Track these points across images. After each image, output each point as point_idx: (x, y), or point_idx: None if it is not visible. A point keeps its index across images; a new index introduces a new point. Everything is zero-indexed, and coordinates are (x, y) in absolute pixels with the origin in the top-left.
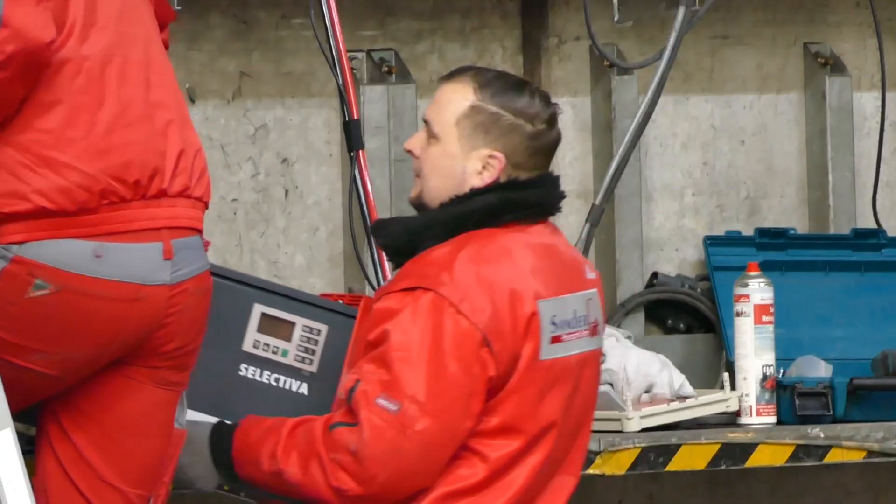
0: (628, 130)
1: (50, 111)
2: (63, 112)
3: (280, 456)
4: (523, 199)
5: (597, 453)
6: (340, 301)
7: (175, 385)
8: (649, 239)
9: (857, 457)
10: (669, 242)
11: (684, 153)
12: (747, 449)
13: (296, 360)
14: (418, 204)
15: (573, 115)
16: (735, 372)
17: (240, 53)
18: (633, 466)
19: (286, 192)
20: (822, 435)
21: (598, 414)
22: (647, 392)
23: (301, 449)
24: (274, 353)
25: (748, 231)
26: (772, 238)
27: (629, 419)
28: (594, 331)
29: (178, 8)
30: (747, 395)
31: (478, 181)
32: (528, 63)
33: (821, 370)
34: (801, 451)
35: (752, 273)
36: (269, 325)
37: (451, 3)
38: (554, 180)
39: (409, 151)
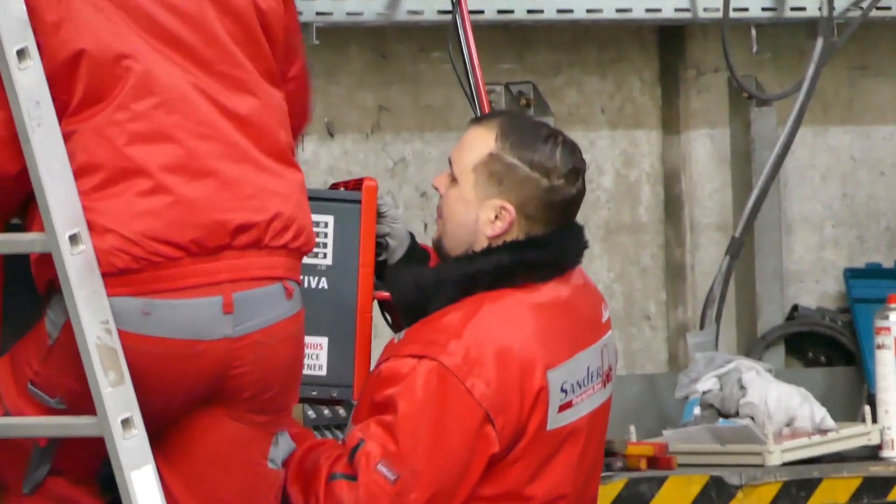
0: (767, 162)
1: (91, 174)
2: (104, 175)
3: (289, 479)
4: (537, 259)
5: (738, 487)
6: (342, 189)
7: (262, 425)
8: (789, 271)
9: None
10: (809, 274)
11: (823, 184)
12: (889, 482)
13: (309, 256)
14: (438, 246)
15: (711, 146)
16: (876, 405)
17: (378, 87)
18: (774, 500)
19: (425, 225)
20: None
21: (738, 448)
22: (787, 425)
23: (304, 483)
24: None
25: (889, 263)
26: None
27: (770, 453)
28: (608, 378)
29: (317, 42)
30: (889, 427)
31: (489, 230)
32: (666, 94)
33: None
34: None
35: (894, 305)
36: None
37: (588, 35)
38: (573, 234)
39: (436, 188)
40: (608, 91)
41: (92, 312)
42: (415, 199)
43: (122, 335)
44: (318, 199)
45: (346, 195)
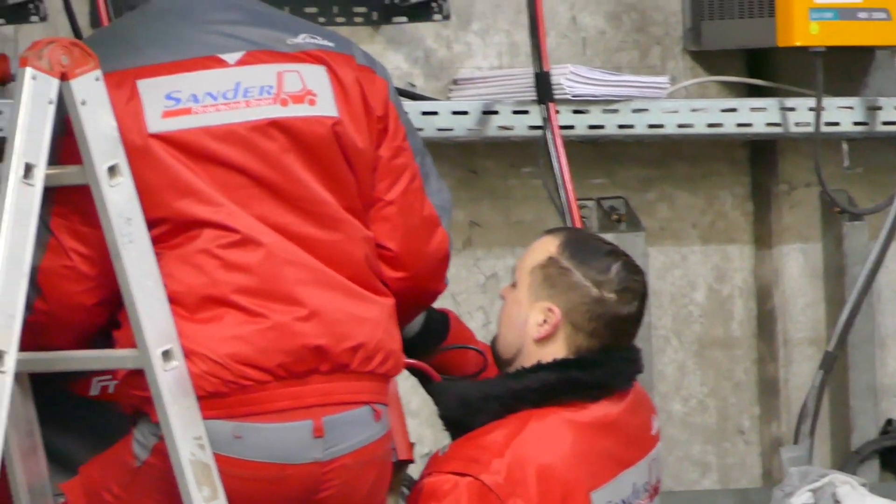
0: (860, 276)
1: (177, 301)
2: (190, 300)
3: None
4: (584, 379)
5: None
6: None
7: None
8: (883, 385)
9: None
10: None
11: None
12: None
13: None
14: (493, 349)
15: (804, 261)
16: None
17: (469, 203)
18: None
19: None
20: None
21: None
22: None
23: None
24: None
25: None
26: None
27: None
28: (655, 492)
29: None
30: None
31: (536, 333)
32: (757, 210)
33: None
34: None
35: None
36: None
37: (679, 151)
38: (626, 356)
39: (501, 297)
40: (700, 206)
41: (185, 428)
42: None
43: (216, 458)
44: None
45: None
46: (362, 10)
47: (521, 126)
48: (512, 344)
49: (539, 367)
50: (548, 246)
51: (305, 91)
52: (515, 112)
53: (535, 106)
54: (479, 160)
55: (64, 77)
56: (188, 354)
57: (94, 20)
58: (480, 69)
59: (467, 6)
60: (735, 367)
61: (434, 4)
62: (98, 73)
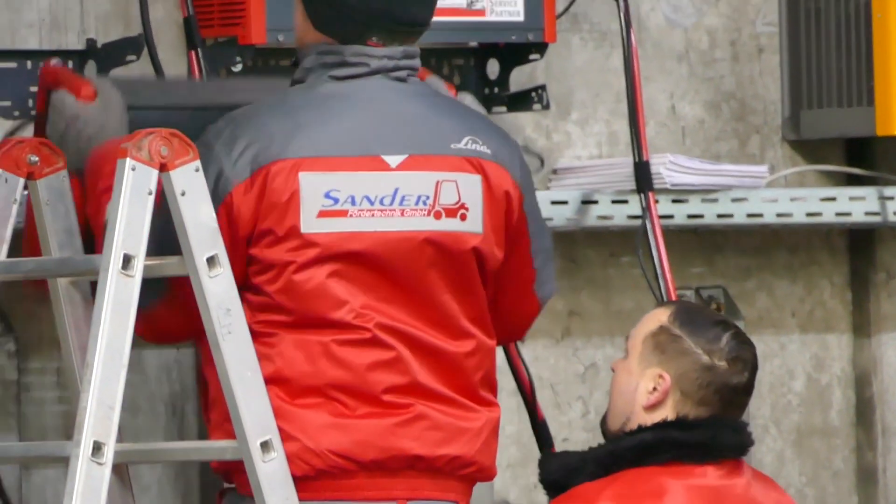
0: None
1: (283, 383)
2: (296, 386)
3: None
4: (683, 438)
5: None
6: None
7: None
8: None
9: None
10: None
11: None
12: None
13: None
14: (602, 424)
15: None
16: None
17: (568, 292)
18: None
19: None
20: None
21: None
22: None
23: None
24: None
25: None
26: None
27: None
28: None
29: None
30: None
31: (645, 400)
32: (856, 298)
33: None
34: None
35: None
36: None
37: (778, 239)
38: (731, 425)
39: (613, 370)
40: (798, 295)
41: None
42: (606, 406)
43: None
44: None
45: None
46: None
47: (620, 215)
48: (622, 413)
49: (640, 430)
50: (659, 316)
51: (460, 205)
52: (615, 201)
53: (635, 195)
54: (579, 249)
55: (163, 168)
56: (283, 435)
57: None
58: (580, 158)
59: (566, 95)
60: (833, 455)
61: (534, 94)
62: (197, 163)
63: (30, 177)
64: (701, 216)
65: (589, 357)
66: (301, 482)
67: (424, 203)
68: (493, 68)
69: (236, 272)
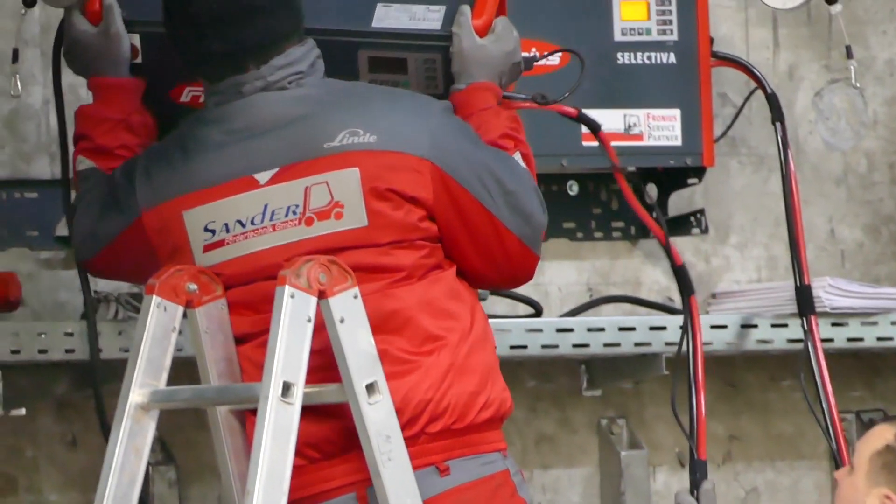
0: None
1: None
2: None
3: None
4: None
5: None
6: None
7: None
8: None
9: None
10: None
11: None
12: None
13: (658, 34)
14: None
15: None
16: None
17: (728, 416)
18: None
19: None
20: None
21: None
22: None
23: None
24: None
25: None
26: None
27: None
28: None
29: (667, 372)
30: None
31: None
32: None
33: None
34: None
35: None
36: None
37: None
38: None
39: (836, 479)
40: None
41: None
42: None
43: None
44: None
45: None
46: (620, 224)
47: (779, 339)
48: None
49: None
50: (885, 433)
51: (332, 204)
52: (774, 325)
53: (794, 319)
54: (739, 373)
55: (322, 295)
56: None
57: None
58: (739, 282)
59: (725, 220)
60: None
61: (692, 219)
62: (356, 290)
63: (188, 305)
64: (861, 339)
65: (749, 481)
66: None
67: (294, 213)
68: (651, 192)
69: None
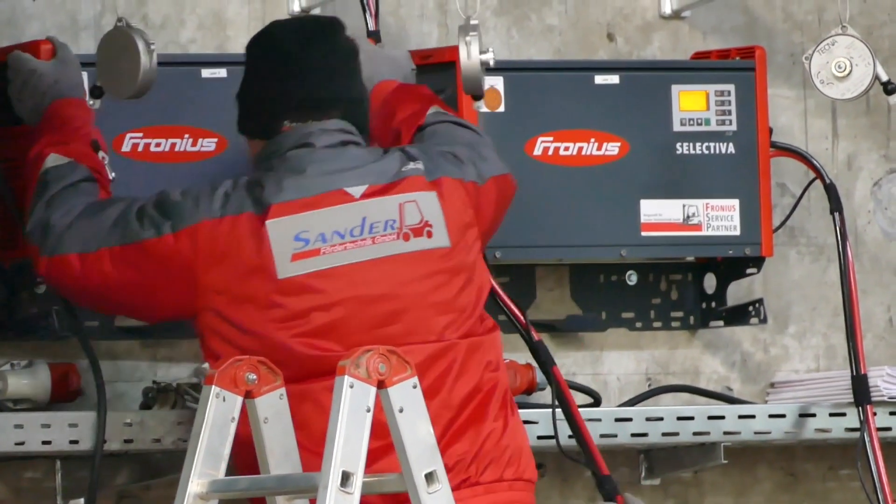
0: None
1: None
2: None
3: None
4: None
5: None
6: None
7: None
8: None
9: None
10: None
11: None
12: None
13: (717, 124)
14: None
15: None
16: None
17: None
18: None
19: None
20: None
21: None
22: None
23: None
24: None
25: None
26: None
27: None
28: None
29: (725, 461)
30: None
31: None
32: None
33: None
34: None
35: None
36: None
37: None
38: None
39: None
40: None
41: None
42: None
43: None
44: (719, 70)
45: (742, 64)
46: (679, 314)
47: (838, 428)
48: None
49: None
50: None
51: (423, 223)
52: (832, 414)
53: (852, 408)
54: (798, 463)
55: (381, 385)
56: None
57: None
58: (797, 372)
59: (784, 309)
60: None
61: (751, 308)
62: (415, 380)
63: (248, 395)
64: None
65: None
66: None
67: (392, 227)
68: (710, 282)
69: None
